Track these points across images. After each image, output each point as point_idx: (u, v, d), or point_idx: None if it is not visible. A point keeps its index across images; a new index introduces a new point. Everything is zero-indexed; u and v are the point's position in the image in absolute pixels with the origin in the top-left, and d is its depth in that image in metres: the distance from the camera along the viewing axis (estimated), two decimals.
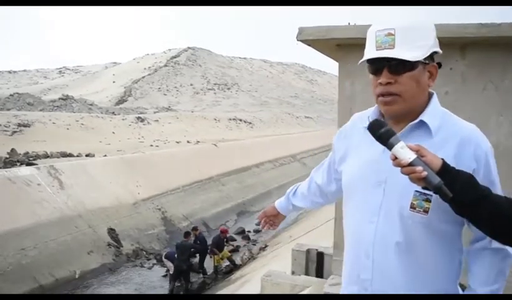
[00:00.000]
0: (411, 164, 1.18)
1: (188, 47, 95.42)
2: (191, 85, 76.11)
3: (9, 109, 31.51)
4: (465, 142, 1.31)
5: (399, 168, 1.21)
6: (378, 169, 1.39)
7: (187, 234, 11.08)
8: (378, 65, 1.34)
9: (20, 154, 16.12)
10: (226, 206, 17.59)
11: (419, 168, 1.16)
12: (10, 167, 12.99)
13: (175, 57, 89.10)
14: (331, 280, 3.61)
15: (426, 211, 1.31)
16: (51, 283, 9.81)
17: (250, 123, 41.50)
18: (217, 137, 28.10)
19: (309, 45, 3.37)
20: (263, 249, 12.68)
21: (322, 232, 8.38)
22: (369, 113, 1.49)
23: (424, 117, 1.35)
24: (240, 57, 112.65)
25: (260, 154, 24.34)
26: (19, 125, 21.52)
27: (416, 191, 1.30)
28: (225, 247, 11.78)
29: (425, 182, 1.17)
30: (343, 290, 1.53)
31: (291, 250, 5.02)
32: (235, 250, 12.96)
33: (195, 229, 12.04)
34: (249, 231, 15.43)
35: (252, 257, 11.12)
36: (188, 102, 64.97)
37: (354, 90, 3.29)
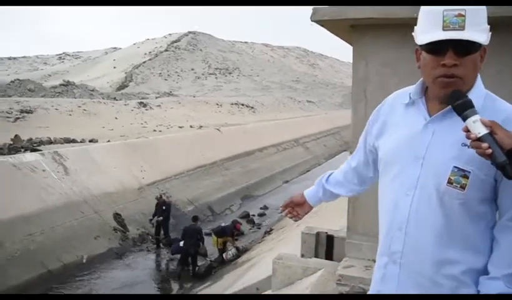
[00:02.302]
0: (479, 139, 1.21)
1: (189, 32, 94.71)
2: (192, 70, 75.75)
3: (10, 96, 31.43)
4: (508, 122, 1.29)
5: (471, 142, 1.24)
6: (417, 144, 1.41)
7: (194, 219, 11.22)
8: (442, 46, 1.30)
9: (23, 141, 16.12)
10: (230, 190, 17.63)
11: (485, 145, 1.19)
12: (14, 154, 13.00)
13: (175, 41, 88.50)
14: (344, 262, 3.62)
15: (463, 187, 1.31)
16: (59, 268, 9.89)
17: (252, 108, 41.39)
18: (219, 122, 28.05)
19: (322, 25, 3.32)
20: (268, 232, 12.74)
21: (328, 215, 8.41)
22: (411, 90, 1.50)
23: (471, 97, 1.33)
24: (241, 41, 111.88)
25: (263, 139, 24.32)
26: (22, 111, 21.49)
27: (455, 167, 1.32)
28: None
29: (490, 159, 1.20)
30: (377, 261, 1.56)
31: (301, 233, 5.03)
32: (241, 233, 13.01)
33: (160, 196, 12.90)
34: (253, 215, 15.49)
35: (238, 256, 10.98)
36: (190, 87, 64.74)
37: (368, 71, 3.26)
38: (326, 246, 4.88)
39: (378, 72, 3.24)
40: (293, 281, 4.20)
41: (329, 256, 4.77)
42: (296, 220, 1.97)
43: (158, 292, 9.84)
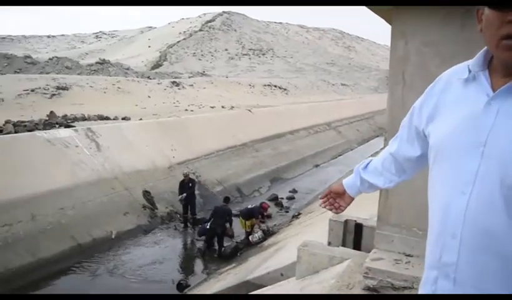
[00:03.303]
0: None
1: (223, 12, 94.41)
2: (226, 50, 75.61)
3: (48, 73, 32.23)
4: None
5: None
6: (477, 128, 1.14)
7: (226, 199, 11.24)
8: None
9: (58, 117, 16.48)
10: (259, 172, 17.52)
11: None
12: (49, 129, 13.28)
13: (210, 21, 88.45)
14: (373, 254, 3.43)
15: None
16: (89, 242, 10.08)
17: (285, 89, 40.99)
18: (252, 103, 27.90)
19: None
20: (296, 216, 12.59)
21: (357, 201, 8.14)
22: (471, 62, 1.23)
23: None
24: (275, 22, 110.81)
25: (294, 121, 24.04)
26: (58, 88, 21.97)
27: None
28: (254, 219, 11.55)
29: None
30: (424, 275, 1.30)
31: (329, 220, 4.84)
32: (268, 216, 12.91)
33: (188, 174, 12.65)
34: (282, 198, 15.35)
35: (264, 239, 10.78)
36: (223, 68, 64.70)
37: (407, 51, 3.02)
38: (354, 235, 4.69)
39: (419, 52, 2.99)
40: (318, 270, 4.04)
41: (357, 246, 4.57)
42: (337, 213, 1.79)
43: (183, 271, 9.89)
